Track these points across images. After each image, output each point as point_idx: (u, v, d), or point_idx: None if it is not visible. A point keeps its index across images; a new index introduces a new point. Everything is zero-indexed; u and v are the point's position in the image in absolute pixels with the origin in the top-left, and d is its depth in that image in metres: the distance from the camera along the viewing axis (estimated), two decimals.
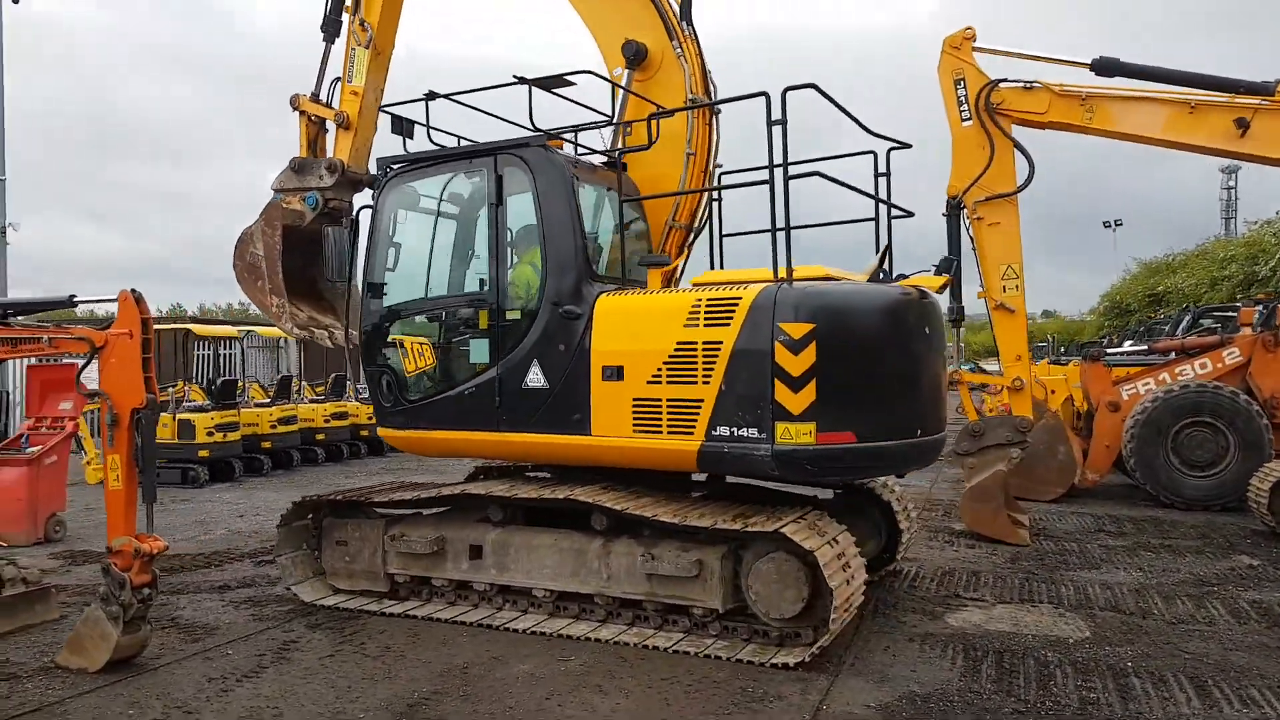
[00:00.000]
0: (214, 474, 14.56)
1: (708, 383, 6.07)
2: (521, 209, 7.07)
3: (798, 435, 5.79)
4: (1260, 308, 14.04)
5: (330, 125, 8.37)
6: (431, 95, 7.20)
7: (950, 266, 6.53)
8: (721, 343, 6.03)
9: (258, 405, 16.22)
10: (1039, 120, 10.78)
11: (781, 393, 5.81)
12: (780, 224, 6.03)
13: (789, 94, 5.85)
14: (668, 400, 6.23)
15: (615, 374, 6.41)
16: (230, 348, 20.21)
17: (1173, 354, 13.32)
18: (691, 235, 7.76)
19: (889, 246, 7.15)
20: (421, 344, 7.25)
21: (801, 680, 5.44)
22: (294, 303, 8.20)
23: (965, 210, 10.86)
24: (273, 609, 6.93)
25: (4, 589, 6.61)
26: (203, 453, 14.23)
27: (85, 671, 5.53)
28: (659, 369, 6.25)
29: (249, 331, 19.65)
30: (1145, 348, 15.08)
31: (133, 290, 5.47)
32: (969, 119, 10.80)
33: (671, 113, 7.27)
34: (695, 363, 6.11)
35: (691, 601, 6.10)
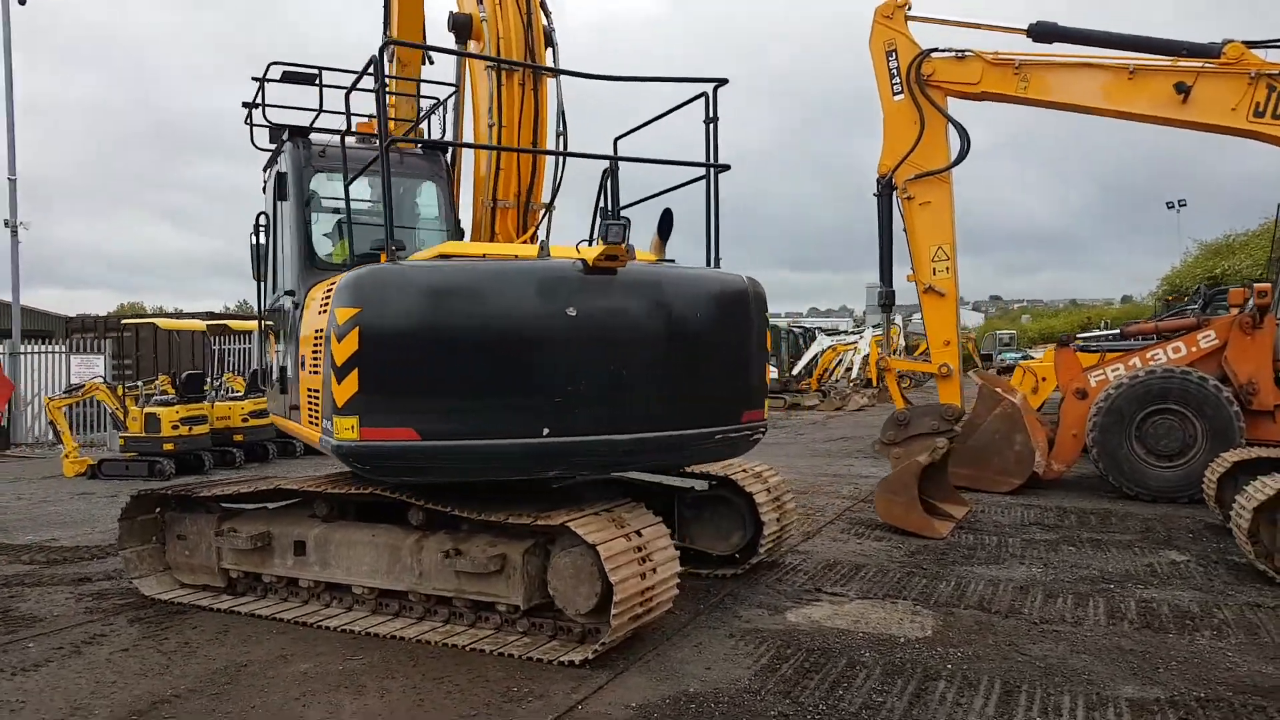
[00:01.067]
0: (183, 467, 14.65)
1: (318, 373, 5.80)
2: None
3: (341, 430, 5.31)
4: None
5: None
6: (246, 105, 7.34)
7: (622, 228, 5.58)
8: (324, 330, 5.66)
9: (231, 398, 16.36)
10: (971, 91, 10.33)
11: (332, 383, 5.37)
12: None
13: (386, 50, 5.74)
14: (308, 390, 6.08)
15: (302, 364, 6.32)
16: (211, 344, 20.47)
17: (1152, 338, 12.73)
18: (544, 213, 7.31)
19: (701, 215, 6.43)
20: (274, 336, 7.42)
21: (580, 678, 5.21)
22: None
23: (896, 190, 10.49)
24: (113, 602, 6.89)
25: None
26: (168, 445, 14.34)
27: None
28: (309, 359, 6.09)
29: (223, 326, 19.91)
30: (1118, 332, 14.43)
31: None
32: (900, 93, 10.40)
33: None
34: (319, 351, 5.84)
35: (495, 598, 5.90)
